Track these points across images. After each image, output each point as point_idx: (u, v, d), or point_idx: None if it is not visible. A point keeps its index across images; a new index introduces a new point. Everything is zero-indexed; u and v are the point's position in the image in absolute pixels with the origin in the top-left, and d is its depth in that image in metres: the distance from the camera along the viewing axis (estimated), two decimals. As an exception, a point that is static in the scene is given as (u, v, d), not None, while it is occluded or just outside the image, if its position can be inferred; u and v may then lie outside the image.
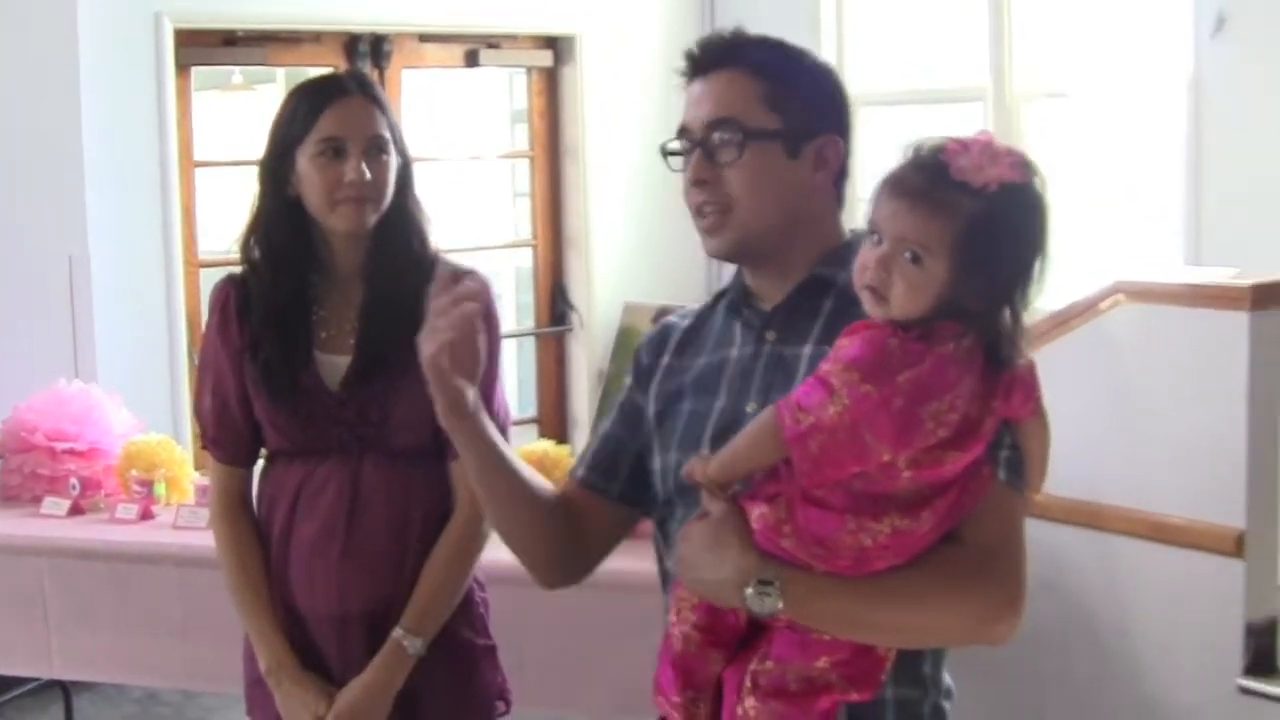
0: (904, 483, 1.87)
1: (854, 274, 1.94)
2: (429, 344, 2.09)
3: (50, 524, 4.26)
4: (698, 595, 1.97)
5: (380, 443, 2.75)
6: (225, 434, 2.84)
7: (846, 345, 1.88)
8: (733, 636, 1.98)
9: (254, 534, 2.84)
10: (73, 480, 4.38)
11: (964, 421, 1.87)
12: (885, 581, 1.91)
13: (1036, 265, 1.90)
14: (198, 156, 6.15)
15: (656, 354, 2.30)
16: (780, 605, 1.89)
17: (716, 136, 2.13)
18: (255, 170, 2.81)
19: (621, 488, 2.29)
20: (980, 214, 1.85)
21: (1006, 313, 1.90)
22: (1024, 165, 1.89)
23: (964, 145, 1.88)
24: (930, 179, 1.88)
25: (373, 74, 6.21)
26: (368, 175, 2.69)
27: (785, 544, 1.90)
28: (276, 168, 2.75)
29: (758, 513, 1.92)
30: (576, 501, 2.30)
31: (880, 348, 1.85)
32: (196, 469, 4.65)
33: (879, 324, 1.89)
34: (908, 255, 1.87)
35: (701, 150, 2.14)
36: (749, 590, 1.90)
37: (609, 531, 2.31)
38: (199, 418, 2.91)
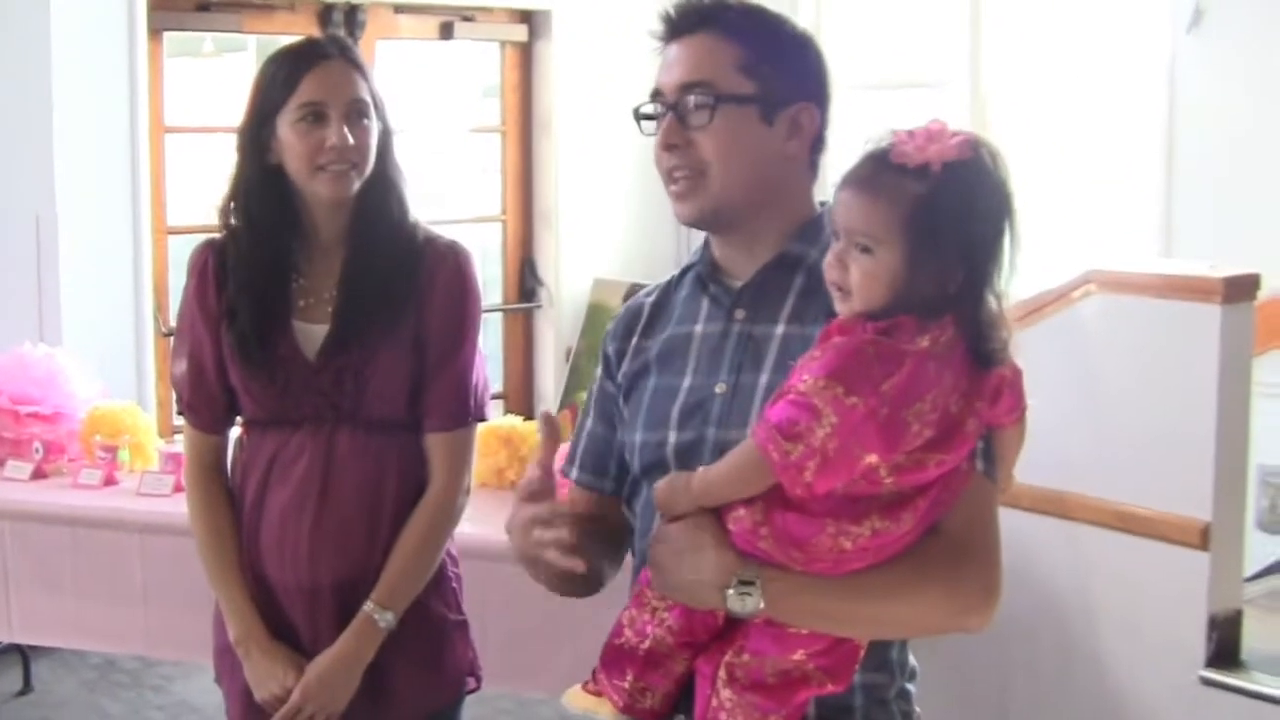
0: (886, 487, 1.86)
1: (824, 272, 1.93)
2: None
3: (12, 487, 4.25)
4: (674, 598, 1.95)
5: (355, 413, 2.72)
6: (200, 400, 2.81)
7: (818, 357, 1.85)
8: (709, 636, 1.96)
9: (227, 502, 2.81)
10: (36, 444, 4.37)
11: (944, 419, 1.85)
12: (864, 577, 1.90)
13: (999, 244, 1.88)
14: (168, 123, 6.10)
15: (624, 338, 2.28)
16: (761, 605, 1.88)
17: (689, 99, 2.10)
18: (235, 136, 2.77)
19: (614, 484, 2.27)
20: (924, 195, 1.84)
21: (986, 305, 1.88)
22: (971, 144, 1.87)
23: (909, 132, 1.87)
24: (872, 168, 1.88)
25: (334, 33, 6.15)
26: (350, 140, 2.67)
27: (763, 545, 1.89)
28: (257, 134, 2.71)
29: (735, 515, 1.90)
30: (588, 508, 2.27)
31: (857, 355, 1.83)
32: (161, 436, 4.63)
33: (850, 327, 1.87)
34: (859, 246, 1.87)
35: (673, 113, 2.12)
36: (730, 591, 1.88)
37: (624, 523, 2.26)
38: (174, 383, 2.87)
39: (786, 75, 2.13)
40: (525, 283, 7.14)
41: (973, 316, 1.87)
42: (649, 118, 2.17)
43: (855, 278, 1.86)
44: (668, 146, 2.12)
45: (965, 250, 1.85)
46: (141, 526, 4.01)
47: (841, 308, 1.89)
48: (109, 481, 4.25)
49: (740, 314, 2.14)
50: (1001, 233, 1.88)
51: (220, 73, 8.98)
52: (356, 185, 2.71)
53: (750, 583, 1.88)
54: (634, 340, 2.26)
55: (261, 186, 2.72)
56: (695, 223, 2.16)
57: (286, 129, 2.68)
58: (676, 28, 2.15)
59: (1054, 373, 3.98)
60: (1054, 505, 4.02)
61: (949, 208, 1.84)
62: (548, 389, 7.12)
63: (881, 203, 1.85)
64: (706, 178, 2.10)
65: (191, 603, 3.70)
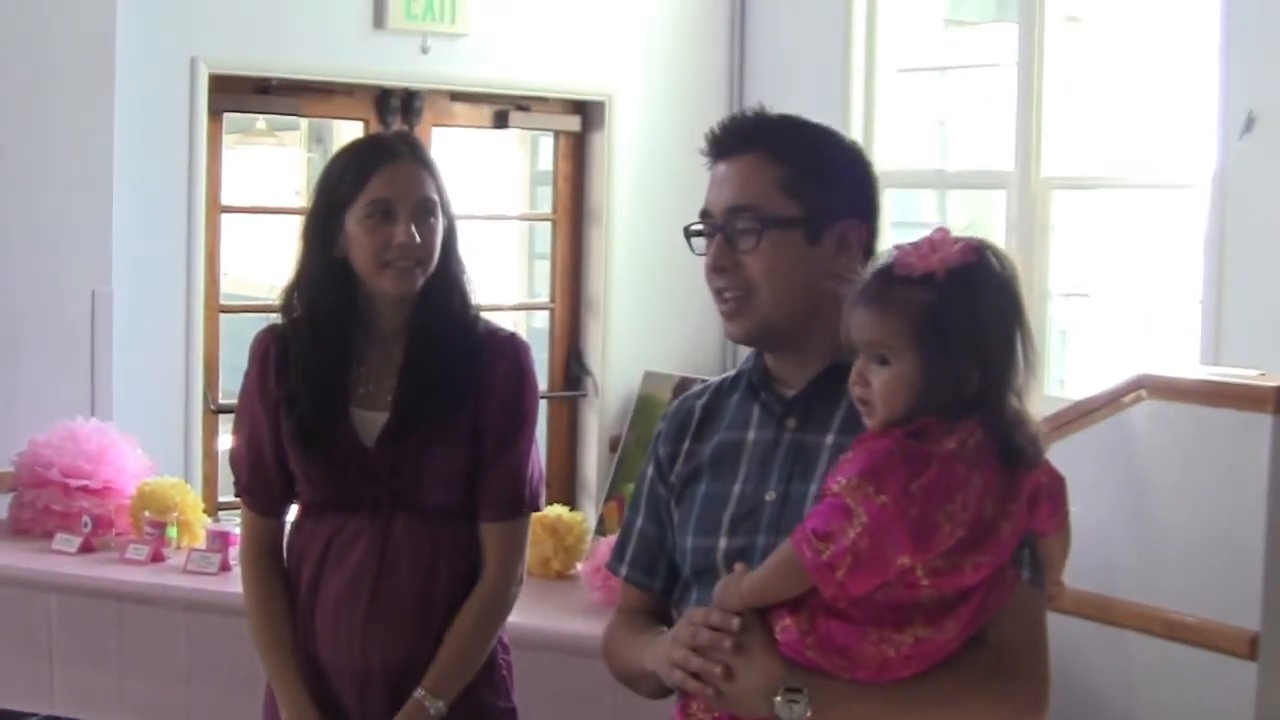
0: (925, 591, 1.87)
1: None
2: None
3: (60, 560, 4.27)
4: (720, 707, 1.95)
5: (411, 500, 2.74)
6: (258, 484, 2.84)
7: (850, 459, 1.89)
8: None
9: (282, 585, 2.83)
10: (85, 517, 4.39)
11: (978, 520, 1.87)
12: (911, 686, 1.91)
13: (1012, 343, 1.90)
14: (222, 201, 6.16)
15: (677, 441, 2.29)
16: (809, 714, 1.89)
17: (736, 224, 2.12)
18: (300, 226, 2.82)
19: (663, 584, 2.28)
20: (931, 302, 1.87)
21: (1007, 404, 1.90)
22: (975, 249, 1.90)
23: (913, 244, 1.91)
24: (879, 283, 1.92)
25: (402, 129, 6.23)
26: (416, 238, 2.71)
27: (809, 654, 1.90)
28: (323, 227, 2.76)
29: (783, 624, 1.92)
30: (644, 607, 2.30)
31: (886, 457, 1.86)
32: (207, 513, 4.65)
33: (879, 434, 1.90)
34: (876, 359, 1.90)
35: (722, 236, 2.14)
36: (778, 699, 1.89)
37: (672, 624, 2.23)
38: (232, 465, 2.91)
39: (831, 192, 2.15)
40: (571, 371, 7.15)
41: (996, 416, 1.89)
42: (698, 234, 2.20)
43: (876, 389, 1.90)
44: (716, 269, 2.15)
45: (978, 351, 1.88)
46: (187, 604, 4.02)
47: (869, 421, 1.92)
48: (156, 558, 4.26)
49: (791, 423, 2.15)
50: (1013, 331, 1.91)
51: (272, 151, 9.09)
52: (421, 281, 2.75)
53: (798, 690, 1.89)
54: (686, 444, 2.27)
55: (326, 278, 2.77)
56: (745, 341, 2.19)
57: (354, 224, 2.73)
58: (722, 148, 2.18)
59: (1103, 478, 3.97)
60: (1100, 610, 4.00)
61: (956, 311, 1.87)
62: (590, 478, 7.11)
63: (891, 314, 1.89)
64: (755, 298, 2.13)
65: (234, 682, 3.72)
